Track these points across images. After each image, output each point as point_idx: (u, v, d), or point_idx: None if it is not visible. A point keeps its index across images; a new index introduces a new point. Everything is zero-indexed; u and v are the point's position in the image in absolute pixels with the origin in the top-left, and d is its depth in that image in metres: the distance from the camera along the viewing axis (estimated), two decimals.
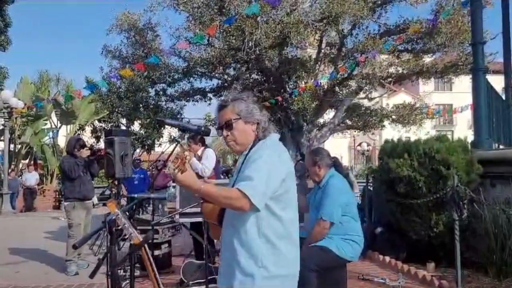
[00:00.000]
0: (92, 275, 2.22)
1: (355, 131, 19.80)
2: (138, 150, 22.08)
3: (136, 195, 2.77)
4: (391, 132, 17.43)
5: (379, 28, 15.07)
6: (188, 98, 18.04)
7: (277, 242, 2.01)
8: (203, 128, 2.23)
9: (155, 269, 2.21)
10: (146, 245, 2.15)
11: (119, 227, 2.07)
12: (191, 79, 17.40)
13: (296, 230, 2.13)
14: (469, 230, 5.36)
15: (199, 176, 5.62)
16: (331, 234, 3.57)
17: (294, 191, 2.13)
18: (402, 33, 14.40)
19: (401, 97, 28.90)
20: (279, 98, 13.94)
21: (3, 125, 16.26)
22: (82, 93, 12.18)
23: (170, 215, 5.49)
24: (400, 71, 15.85)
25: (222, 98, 2.85)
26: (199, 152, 5.68)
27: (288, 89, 14.66)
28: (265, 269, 1.97)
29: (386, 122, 17.71)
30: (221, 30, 12.56)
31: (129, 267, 3.14)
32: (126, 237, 2.10)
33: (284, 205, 2.05)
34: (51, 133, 19.89)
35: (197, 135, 5.60)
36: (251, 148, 2.12)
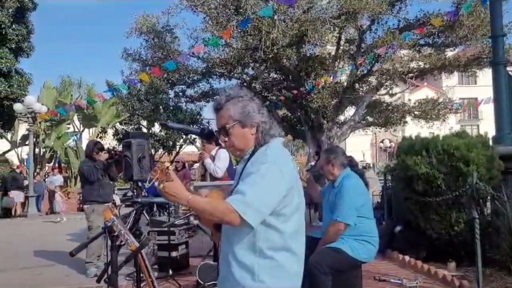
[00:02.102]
0: (99, 280, 2.24)
1: (376, 128, 19.54)
2: (160, 151, 22.32)
3: (139, 199, 2.79)
4: (413, 128, 17.13)
5: (398, 23, 14.85)
6: (207, 99, 18.12)
7: (275, 255, 1.87)
8: (206, 131, 2.18)
9: (152, 275, 2.20)
10: (142, 252, 2.13)
11: (116, 233, 2.07)
12: (210, 79, 17.47)
13: (299, 242, 1.97)
14: (491, 227, 5.22)
15: (215, 177, 5.62)
16: (345, 235, 3.52)
17: (299, 202, 1.96)
18: (423, 26, 14.15)
19: (424, 92, 28.43)
20: (295, 92, 13.84)
21: (27, 129, 16.65)
22: (104, 96, 12.34)
23: (184, 216, 5.52)
24: (421, 66, 15.59)
25: (216, 98, 2.68)
26: (213, 152, 5.68)
27: (307, 87, 14.57)
28: (262, 283, 1.85)
29: (408, 118, 17.46)
30: (239, 30, 12.57)
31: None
32: (122, 243, 2.10)
33: (285, 219, 1.89)
34: (74, 137, 20.32)
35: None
36: (252, 154, 1.96)
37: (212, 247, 5.58)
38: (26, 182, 15.88)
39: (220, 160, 5.55)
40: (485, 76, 15.82)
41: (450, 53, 16.07)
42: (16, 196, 15.12)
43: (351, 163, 3.90)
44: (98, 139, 18.18)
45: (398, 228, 6.26)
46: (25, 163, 20.91)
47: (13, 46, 19.85)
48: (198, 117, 18.55)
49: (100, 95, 12.66)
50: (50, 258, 7.37)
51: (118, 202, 11.08)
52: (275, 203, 1.85)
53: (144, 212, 6.42)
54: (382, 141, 39.95)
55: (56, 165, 20.81)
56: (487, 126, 23.87)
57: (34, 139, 17.10)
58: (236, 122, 1.94)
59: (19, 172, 16.04)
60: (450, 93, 19.25)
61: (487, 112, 34.14)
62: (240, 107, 1.95)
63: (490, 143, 5.81)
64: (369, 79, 15.91)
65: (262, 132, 1.96)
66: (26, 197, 15.89)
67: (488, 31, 12.16)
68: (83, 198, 6.48)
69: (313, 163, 10.75)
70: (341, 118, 17.46)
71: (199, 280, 4.88)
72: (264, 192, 1.81)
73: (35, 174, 17.20)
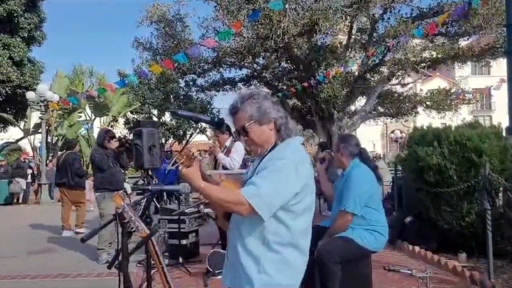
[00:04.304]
0: (110, 266, 2.26)
1: (387, 118, 19.41)
2: (170, 140, 22.42)
3: (150, 187, 2.79)
4: (425, 119, 17.01)
5: (411, 12, 14.68)
6: (218, 88, 18.12)
7: (282, 250, 1.91)
8: (216, 119, 2.18)
9: (162, 262, 2.22)
10: (153, 238, 2.15)
11: (126, 220, 2.09)
12: (221, 69, 17.46)
13: (306, 241, 2.01)
14: (503, 219, 5.17)
15: (227, 169, 5.61)
16: (354, 225, 3.50)
17: (310, 200, 1.99)
18: (436, 16, 13.97)
19: (436, 82, 28.15)
20: (305, 85, 13.77)
21: (40, 118, 16.80)
22: (114, 86, 12.30)
23: (194, 205, 5.54)
24: (434, 56, 15.41)
25: (231, 102, 2.71)
26: (227, 143, 5.66)
27: (317, 76, 14.50)
28: (267, 276, 1.89)
29: (420, 109, 17.32)
30: (249, 19, 12.49)
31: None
32: (133, 230, 2.12)
33: (295, 216, 1.92)
34: (86, 125, 20.46)
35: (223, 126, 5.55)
36: (271, 150, 2.01)
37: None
38: (29, 171, 16.03)
39: (237, 153, 5.51)
40: (499, 66, 15.60)
41: (463, 42, 15.85)
42: (21, 183, 15.30)
43: (362, 156, 3.84)
44: (109, 128, 18.29)
45: (408, 219, 6.24)
46: (38, 151, 21.14)
47: (25, 35, 20.01)
48: (208, 106, 18.58)
49: (110, 86, 12.63)
50: (63, 244, 7.47)
51: (129, 190, 11.16)
52: (287, 198, 1.87)
53: (154, 200, 6.47)
54: (392, 132, 39.72)
55: None
56: (500, 116, 23.57)
57: (47, 127, 17.25)
58: (254, 120, 1.98)
59: (23, 160, 16.23)
60: (463, 83, 19.01)
61: (500, 103, 33.75)
62: (255, 106, 1.99)
63: (504, 134, 5.74)
64: (381, 69, 15.78)
65: (281, 125, 2.01)
66: (39, 185, 16.08)
67: (503, 20, 11.93)
68: (94, 186, 6.53)
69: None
70: (352, 108, 17.36)
71: (209, 268, 4.92)
72: (277, 186, 1.84)
73: (48, 162, 17.37)
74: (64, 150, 9.78)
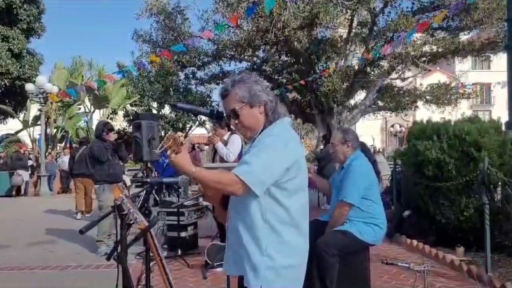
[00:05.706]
0: (108, 258, 2.27)
1: (387, 113, 19.40)
2: (169, 133, 22.38)
3: (149, 180, 2.80)
4: (425, 113, 17.01)
5: (412, 5, 14.64)
6: (217, 81, 18.09)
7: (281, 229, 1.93)
8: (215, 112, 2.17)
9: (161, 254, 2.23)
10: (151, 231, 2.16)
11: (125, 212, 2.09)
12: (221, 62, 17.42)
13: (304, 221, 2.03)
14: (501, 214, 5.18)
15: (224, 161, 5.61)
16: (353, 218, 3.51)
17: (303, 179, 2.01)
18: (437, 9, 13.94)
19: (436, 77, 28.08)
20: (302, 83, 13.77)
21: (39, 109, 16.77)
22: (115, 76, 12.25)
23: (193, 197, 5.54)
24: (434, 50, 15.38)
25: (222, 84, 2.72)
26: (225, 137, 5.65)
27: (317, 70, 14.46)
28: (270, 258, 1.91)
29: (419, 103, 17.31)
30: (247, 14, 12.46)
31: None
32: (132, 222, 2.13)
33: (288, 193, 1.95)
34: (85, 118, 20.42)
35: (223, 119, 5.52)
36: (260, 133, 2.03)
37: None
38: (30, 162, 16.05)
39: (233, 144, 5.50)
40: (500, 60, 15.57)
41: (464, 37, 15.81)
42: (23, 175, 15.31)
43: (363, 149, 3.84)
44: (108, 120, 18.28)
45: (406, 213, 6.25)
46: (37, 143, 21.12)
47: (24, 27, 19.92)
48: (208, 99, 18.56)
49: (110, 77, 12.59)
50: (62, 236, 7.49)
51: (128, 182, 11.17)
52: (278, 174, 1.90)
53: (154, 192, 6.47)
54: (392, 126, 39.75)
55: (68, 145, 20.99)
56: (500, 111, 23.55)
57: (46, 119, 17.23)
58: (244, 103, 2.01)
59: (23, 152, 16.28)
60: (463, 78, 18.99)
61: (500, 98, 33.70)
62: (246, 89, 2.01)
63: (503, 128, 5.74)
64: (381, 63, 15.76)
65: (270, 109, 2.03)
66: (38, 177, 16.09)
67: (503, 15, 11.91)
68: (94, 178, 6.54)
69: (321, 147, 10.76)
70: (352, 102, 17.35)
71: (208, 260, 4.94)
72: (268, 162, 1.87)
73: (47, 154, 17.37)
74: (78, 145, 11.33)
